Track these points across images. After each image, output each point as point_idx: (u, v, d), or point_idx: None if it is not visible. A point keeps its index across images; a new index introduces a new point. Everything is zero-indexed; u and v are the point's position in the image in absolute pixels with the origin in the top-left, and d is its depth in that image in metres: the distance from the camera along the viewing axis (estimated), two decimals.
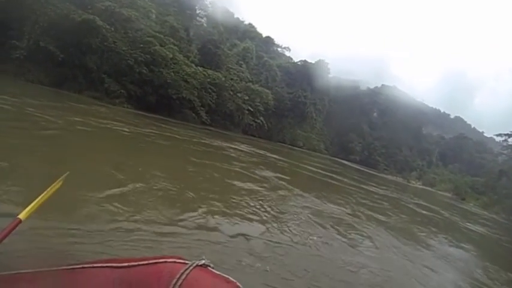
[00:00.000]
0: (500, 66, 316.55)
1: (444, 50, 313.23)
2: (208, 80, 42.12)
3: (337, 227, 9.55)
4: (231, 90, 48.45)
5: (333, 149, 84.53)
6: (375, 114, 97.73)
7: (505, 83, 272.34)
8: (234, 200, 8.94)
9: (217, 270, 1.54)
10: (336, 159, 71.26)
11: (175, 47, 39.96)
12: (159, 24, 42.48)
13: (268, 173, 16.28)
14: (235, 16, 73.43)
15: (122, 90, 34.69)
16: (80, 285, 1.64)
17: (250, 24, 73.81)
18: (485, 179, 69.24)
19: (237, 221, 7.14)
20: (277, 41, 75.85)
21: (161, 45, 37.98)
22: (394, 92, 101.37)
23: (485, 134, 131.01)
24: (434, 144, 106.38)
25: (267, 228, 7.30)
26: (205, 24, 53.11)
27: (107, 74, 34.56)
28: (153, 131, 20.54)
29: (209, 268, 1.55)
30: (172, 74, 37.94)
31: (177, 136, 22.52)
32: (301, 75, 64.90)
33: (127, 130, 17.39)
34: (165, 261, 1.55)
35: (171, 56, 37.92)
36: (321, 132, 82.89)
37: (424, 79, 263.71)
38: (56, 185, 2.58)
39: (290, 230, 7.69)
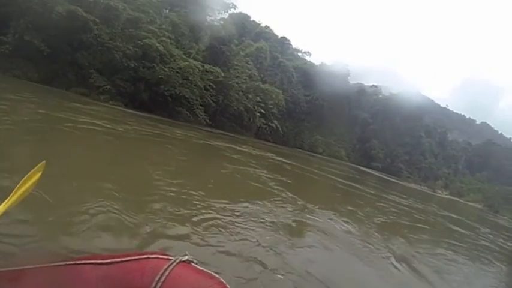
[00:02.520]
0: None
1: (467, 53, 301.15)
2: (207, 76, 37.88)
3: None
4: (241, 91, 43.99)
5: (355, 156, 79.38)
6: (397, 120, 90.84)
7: None
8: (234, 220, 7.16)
9: (201, 266, 1.56)
10: (357, 166, 66.93)
11: (170, 40, 36.35)
12: (157, 19, 39.12)
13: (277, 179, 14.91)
14: (252, 19, 68.55)
15: (108, 86, 31.56)
16: (64, 283, 1.64)
17: (266, 26, 68.64)
18: None
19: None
20: (297, 45, 70.73)
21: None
22: (418, 97, 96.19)
23: None
24: (461, 151, 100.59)
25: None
26: (216, 23, 47.95)
27: (98, 70, 31.92)
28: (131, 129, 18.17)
29: (192, 264, 1.57)
30: (166, 69, 34.29)
31: (166, 134, 21.07)
32: (319, 78, 59.19)
33: (99, 129, 14.83)
34: (148, 257, 1.56)
35: (162, 48, 34.18)
36: (342, 138, 77.74)
37: (447, 84, 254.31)
38: (33, 176, 2.46)
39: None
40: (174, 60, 35.44)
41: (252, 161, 20.24)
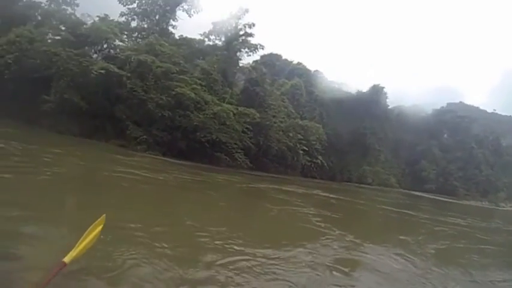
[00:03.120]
0: None
1: (502, 50, 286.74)
2: (243, 119, 37.41)
3: None
4: (280, 130, 43.19)
5: (406, 181, 76.19)
6: (445, 135, 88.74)
7: None
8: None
9: None
10: (409, 191, 64.42)
11: (201, 87, 36.43)
12: (187, 68, 39.64)
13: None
14: (284, 57, 69.31)
15: (145, 136, 32.39)
16: None
17: (298, 62, 67.86)
18: None
19: None
20: (331, 77, 69.25)
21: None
22: (461, 107, 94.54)
23: None
24: None
25: None
26: (246, 66, 47.88)
27: (135, 122, 33.27)
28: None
29: None
30: (201, 116, 34.34)
31: (208, 180, 21.41)
32: (357, 105, 57.24)
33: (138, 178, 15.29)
34: None
35: (194, 96, 34.34)
36: (390, 165, 75.48)
37: (488, 87, 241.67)
38: (96, 228, 2.86)
39: None
40: (208, 107, 35.52)
41: (297, 200, 20.06)
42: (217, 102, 36.92)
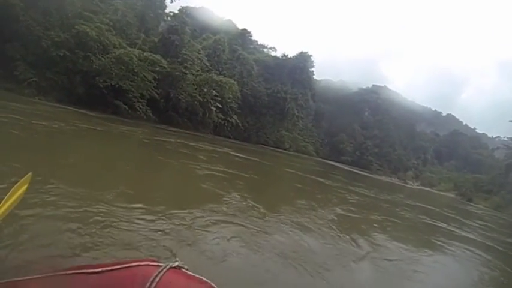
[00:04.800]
0: (485, 61, 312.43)
1: (430, 48, 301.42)
2: (148, 66, 33.74)
3: None
4: (193, 84, 40.09)
5: (323, 151, 77.62)
6: (366, 113, 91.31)
7: (490, 77, 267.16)
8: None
9: (192, 272, 1.48)
10: (327, 161, 64.50)
11: (107, 27, 32.38)
12: (100, 8, 35.32)
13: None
14: (215, 14, 65.81)
15: (34, 79, 27.27)
16: None
17: (229, 20, 64.38)
18: (491, 176, 59.34)
19: None
20: (263, 41, 66.48)
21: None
22: (385, 91, 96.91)
23: (477, 131, 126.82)
24: (429, 141, 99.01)
25: None
26: (169, 13, 43.73)
27: (30, 63, 27.83)
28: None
29: (183, 270, 1.49)
30: (102, 59, 30.45)
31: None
32: (281, 69, 55.17)
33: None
34: (138, 265, 1.48)
35: (93, 35, 29.90)
36: (310, 133, 75.56)
37: (412, 78, 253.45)
38: (21, 187, 2.61)
39: None
40: (113, 50, 31.65)
41: (203, 157, 18.89)
42: (123, 45, 33.18)
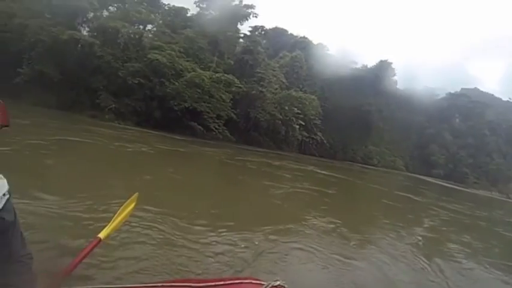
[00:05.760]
0: None
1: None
2: (222, 87, 33.77)
3: None
4: (273, 103, 39.13)
5: (413, 165, 72.16)
6: (457, 120, 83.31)
7: None
8: None
9: None
10: (417, 176, 59.40)
11: (178, 54, 33.46)
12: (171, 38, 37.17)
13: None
14: (289, 32, 64.49)
15: (114, 105, 29.83)
16: None
17: (304, 36, 62.57)
18: None
19: None
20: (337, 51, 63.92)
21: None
22: (476, 93, 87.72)
23: None
24: None
25: None
26: (238, 34, 44.25)
27: (112, 92, 30.52)
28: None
29: None
30: (176, 83, 31.33)
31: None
32: (362, 81, 52.58)
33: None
34: (241, 282, 1.51)
35: (165, 61, 31.23)
36: (398, 146, 70.62)
37: (506, 75, 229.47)
38: (129, 205, 2.88)
39: None
40: (186, 74, 32.46)
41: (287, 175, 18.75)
42: (196, 69, 33.51)
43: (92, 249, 2.08)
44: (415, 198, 22.71)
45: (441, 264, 7.73)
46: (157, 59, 30.59)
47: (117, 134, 20.96)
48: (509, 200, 51.75)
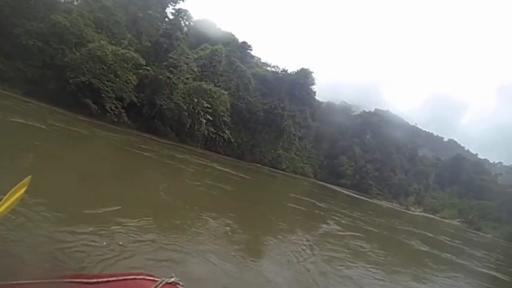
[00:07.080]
0: (483, 85, 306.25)
1: (431, 73, 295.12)
2: (127, 66, 31.00)
3: None
4: (182, 93, 36.98)
5: (322, 173, 73.58)
6: (367, 136, 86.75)
7: (489, 102, 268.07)
8: None
9: None
10: (325, 183, 61.07)
11: (84, 20, 29.83)
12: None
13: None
14: (218, 27, 61.85)
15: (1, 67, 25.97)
16: None
17: (230, 32, 61.12)
18: (498, 202, 54.67)
19: None
20: (265, 59, 63.48)
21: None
22: (388, 115, 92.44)
23: (479, 156, 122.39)
24: (431, 166, 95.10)
25: None
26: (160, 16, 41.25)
27: (7, 54, 26.48)
28: None
29: (178, 286, 1.44)
30: (77, 53, 28.21)
31: None
32: (280, 85, 51.90)
33: None
34: (134, 278, 1.45)
35: (67, 25, 27.88)
36: (308, 154, 71.92)
37: (413, 103, 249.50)
38: (20, 189, 2.40)
39: None
40: (88, 44, 29.38)
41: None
42: (102, 41, 30.21)
43: None
44: (319, 204, 23.14)
45: (325, 267, 8.19)
46: (59, 21, 27.38)
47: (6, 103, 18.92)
48: (408, 212, 54.76)
